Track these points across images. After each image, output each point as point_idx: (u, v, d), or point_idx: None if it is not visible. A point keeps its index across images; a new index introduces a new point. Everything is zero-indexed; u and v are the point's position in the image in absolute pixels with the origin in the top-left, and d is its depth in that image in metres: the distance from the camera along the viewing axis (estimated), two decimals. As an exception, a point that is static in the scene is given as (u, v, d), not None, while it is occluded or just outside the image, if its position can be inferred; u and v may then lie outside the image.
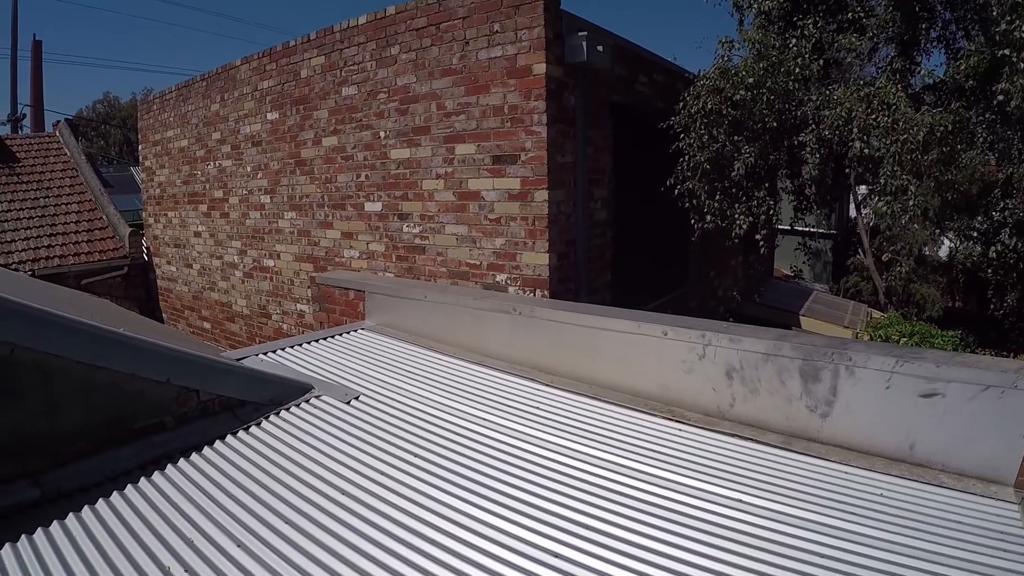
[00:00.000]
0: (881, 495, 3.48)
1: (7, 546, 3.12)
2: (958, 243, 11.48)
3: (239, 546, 3.12)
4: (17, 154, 16.48)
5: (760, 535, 3.10)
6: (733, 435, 4.36)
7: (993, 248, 10.38)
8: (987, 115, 9.68)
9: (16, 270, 13.04)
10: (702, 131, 8.53)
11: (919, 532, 3.08)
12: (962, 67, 9.35)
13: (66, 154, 17.17)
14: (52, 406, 3.83)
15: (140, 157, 14.90)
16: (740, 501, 3.41)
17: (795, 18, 10.20)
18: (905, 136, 8.07)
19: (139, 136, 14.68)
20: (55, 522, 3.35)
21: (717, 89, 8.51)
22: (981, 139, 9.58)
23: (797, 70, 8.87)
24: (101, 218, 15.57)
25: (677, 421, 4.62)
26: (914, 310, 15.09)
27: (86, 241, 14.89)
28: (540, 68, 6.71)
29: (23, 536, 3.21)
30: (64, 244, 14.63)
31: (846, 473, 3.79)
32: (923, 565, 2.83)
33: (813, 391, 4.21)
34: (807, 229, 14.04)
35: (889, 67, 10.30)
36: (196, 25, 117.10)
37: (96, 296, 12.66)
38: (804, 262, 15.02)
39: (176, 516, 3.43)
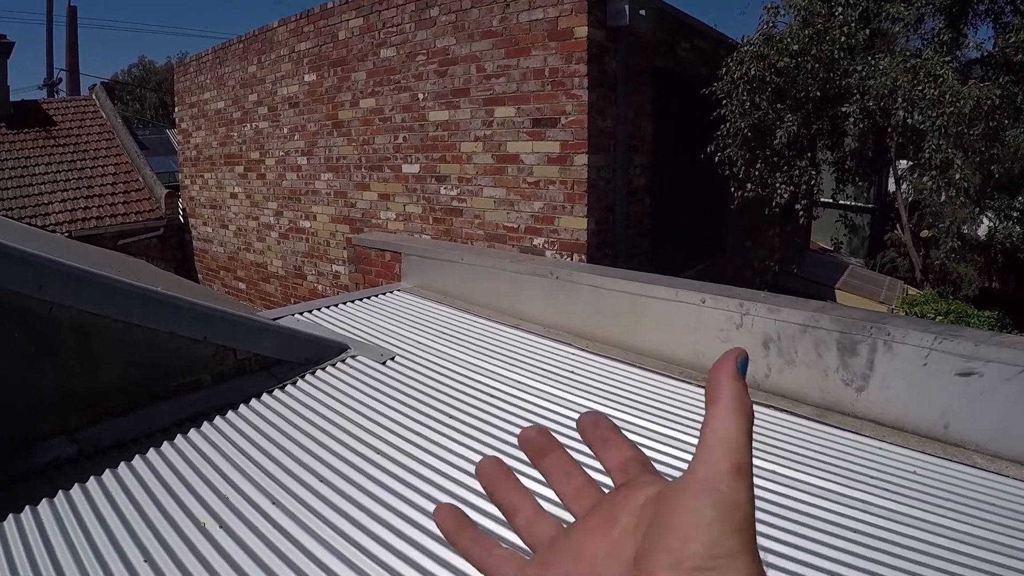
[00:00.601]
0: (914, 472, 3.43)
1: (44, 501, 3.15)
2: (997, 222, 11.29)
3: (274, 503, 3.12)
4: (54, 118, 16.61)
5: (792, 507, 3.08)
6: (768, 406, 4.31)
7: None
8: (1035, 91, 9.50)
9: (53, 231, 13.14)
10: (744, 98, 8.43)
11: (951, 512, 3.03)
12: (1011, 41, 9.16)
13: (102, 117, 17.26)
14: (90, 364, 3.87)
15: (176, 119, 14.97)
16: (774, 472, 3.38)
17: (841, -15, 10.05)
18: (951, 109, 7.91)
19: (175, 99, 14.75)
20: (92, 478, 3.37)
21: (761, 55, 8.39)
22: (1028, 116, 9.40)
23: (843, 39, 8.71)
24: (137, 180, 15.67)
25: (713, 389, 4.56)
26: (950, 288, 14.89)
27: (122, 203, 15.01)
28: (582, 31, 6.64)
29: (60, 492, 3.23)
30: (101, 206, 14.76)
31: (880, 449, 3.74)
32: (954, 545, 2.80)
33: (850, 364, 4.15)
34: (846, 202, 13.89)
35: (936, 39, 10.11)
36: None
37: (132, 257, 12.73)
38: (844, 235, 14.91)
39: (212, 473, 3.44)
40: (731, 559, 0.45)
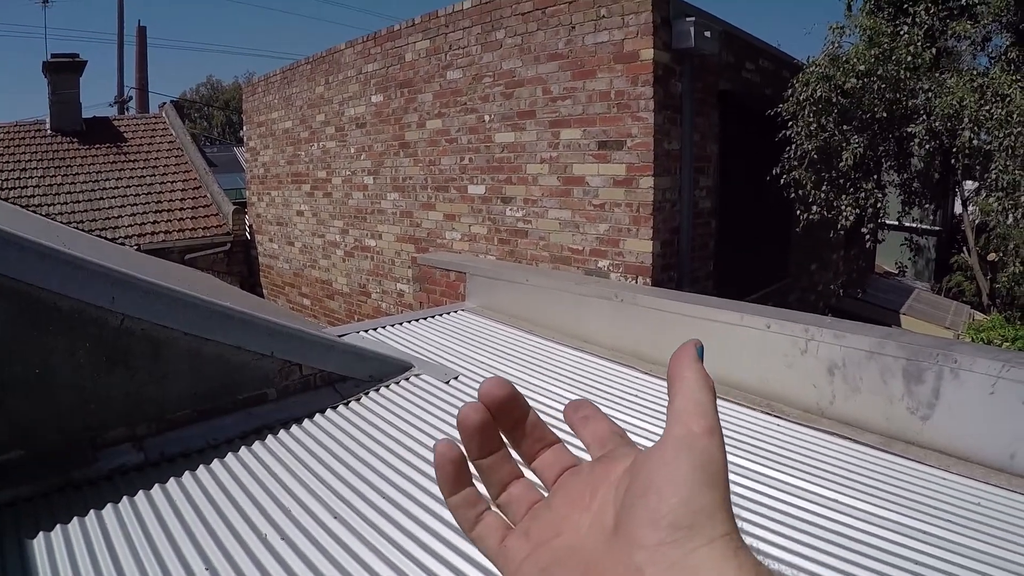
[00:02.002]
0: (979, 504, 3.35)
1: (109, 506, 3.23)
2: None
3: (335, 517, 3.15)
4: (124, 134, 17.06)
5: (855, 536, 3.03)
6: (832, 433, 4.25)
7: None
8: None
9: (122, 244, 13.38)
10: (810, 119, 8.36)
11: (1017, 546, 2.96)
12: (1080, 58, 9.01)
13: (171, 134, 17.64)
14: (159, 374, 3.95)
15: (244, 138, 15.28)
16: (837, 501, 3.32)
17: (905, 4, 9.92)
18: (1019, 129, 7.79)
19: (244, 117, 15.07)
20: (156, 485, 3.44)
21: (826, 76, 8.33)
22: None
23: (908, 58, 8.62)
24: (205, 196, 15.98)
25: (775, 416, 4.52)
26: (1018, 314, 14.60)
27: (190, 218, 15.33)
28: (648, 54, 6.65)
29: (125, 497, 3.31)
30: (169, 220, 15.11)
31: (944, 479, 3.65)
32: (1016, 580, 2.74)
33: (915, 392, 4.06)
34: (912, 225, 13.72)
35: (1003, 57, 9.96)
36: (294, 9, 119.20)
37: (200, 271, 12.93)
38: (909, 258, 14.70)
39: (275, 485, 3.49)
40: (709, 517, 0.47)
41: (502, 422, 0.64)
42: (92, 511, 3.18)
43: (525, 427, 0.65)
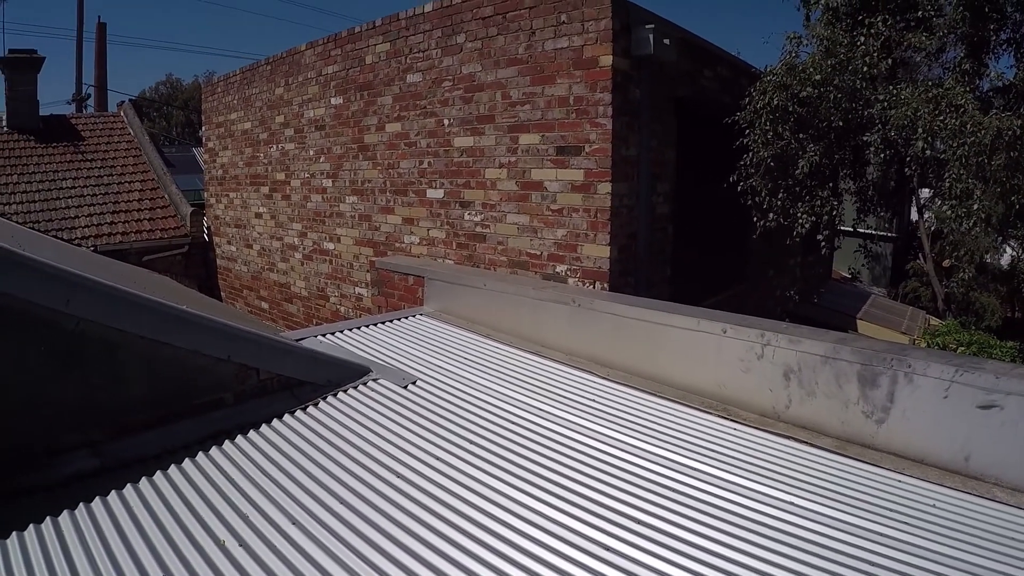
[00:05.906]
0: (934, 506, 3.41)
1: (65, 513, 3.16)
2: (1021, 252, 11.19)
3: (294, 523, 3.13)
4: (82, 132, 16.83)
5: (810, 539, 3.07)
6: (788, 437, 4.29)
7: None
8: (1056, 123, 9.45)
9: (79, 246, 13.24)
10: (767, 127, 8.43)
11: (970, 546, 3.01)
12: (1032, 70, 9.15)
13: (130, 133, 17.45)
14: (115, 379, 3.89)
15: (203, 138, 15.14)
16: (792, 504, 3.36)
17: (862, 15, 10.04)
18: (972, 139, 7.89)
19: (203, 118, 14.90)
20: (113, 492, 3.38)
21: (784, 85, 8.40)
22: (1050, 146, 9.33)
23: (865, 68, 8.74)
24: (163, 197, 15.82)
25: (732, 420, 4.56)
26: (973, 319, 14.76)
27: (148, 219, 15.15)
28: (607, 60, 6.67)
29: (81, 504, 3.25)
30: (126, 221, 14.91)
31: (899, 481, 3.70)
32: (973, 580, 2.78)
33: (870, 396, 4.12)
34: (868, 231, 13.87)
35: (957, 68, 10.11)
36: (255, 8, 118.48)
37: (157, 273, 12.81)
38: (863, 265, 14.80)
39: (232, 491, 3.45)
40: None
41: None
42: (48, 518, 3.10)
43: None
